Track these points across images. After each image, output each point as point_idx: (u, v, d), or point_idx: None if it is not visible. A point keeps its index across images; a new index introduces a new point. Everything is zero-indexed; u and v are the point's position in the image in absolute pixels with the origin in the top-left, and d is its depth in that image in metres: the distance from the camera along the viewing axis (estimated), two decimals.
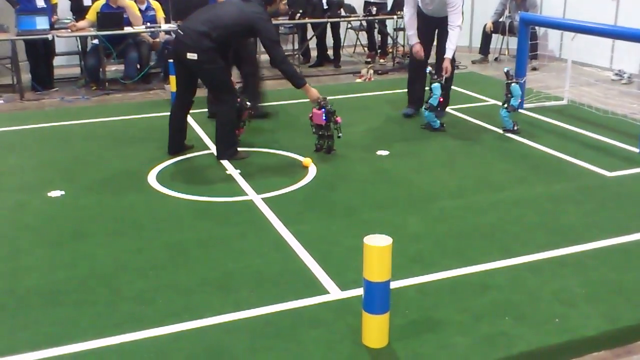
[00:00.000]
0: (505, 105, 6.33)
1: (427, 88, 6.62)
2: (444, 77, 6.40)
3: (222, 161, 5.61)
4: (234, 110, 5.68)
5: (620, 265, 3.82)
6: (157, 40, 8.79)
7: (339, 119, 5.62)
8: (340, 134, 5.66)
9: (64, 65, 9.12)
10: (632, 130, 6.28)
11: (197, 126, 6.72)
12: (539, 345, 3.10)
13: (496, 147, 5.99)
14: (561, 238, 4.16)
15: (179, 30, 5.58)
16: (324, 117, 5.60)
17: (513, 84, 6.26)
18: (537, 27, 9.54)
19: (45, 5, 8.37)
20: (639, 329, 3.27)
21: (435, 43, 6.88)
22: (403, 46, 10.44)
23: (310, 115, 5.71)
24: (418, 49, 6.73)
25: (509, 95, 6.28)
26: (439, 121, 6.45)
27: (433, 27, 6.72)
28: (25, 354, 3.05)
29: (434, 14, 6.62)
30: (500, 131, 6.40)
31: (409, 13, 6.71)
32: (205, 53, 5.35)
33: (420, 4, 6.64)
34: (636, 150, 5.79)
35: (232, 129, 5.71)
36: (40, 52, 8.55)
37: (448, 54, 6.50)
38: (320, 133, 5.76)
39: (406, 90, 7.21)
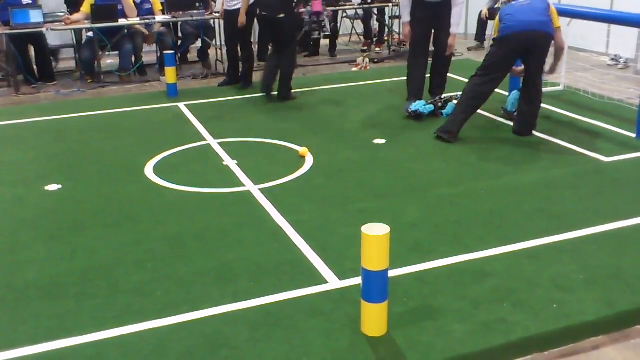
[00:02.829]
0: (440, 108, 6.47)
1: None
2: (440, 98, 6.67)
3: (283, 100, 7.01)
4: (295, 62, 7.71)
5: (618, 251, 3.83)
6: (152, 32, 8.75)
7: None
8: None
9: (59, 58, 9.08)
10: (629, 115, 6.28)
11: (195, 120, 6.72)
12: (537, 331, 3.11)
13: (493, 134, 5.99)
14: (559, 224, 4.17)
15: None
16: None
17: (451, 103, 6.43)
18: None
19: (30, 1, 8.32)
20: (636, 313, 3.28)
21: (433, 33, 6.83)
22: (398, 34, 10.41)
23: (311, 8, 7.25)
24: (407, 31, 6.75)
25: (440, 105, 6.48)
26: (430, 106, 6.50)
27: (430, 13, 6.64)
28: (25, 348, 3.06)
29: None
30: (496, 117, 6.40)
31: None
32: (290, 12, 7.15)
33: None
34: (633, 135, 5.79)
35: (291, 78, 7.47)
36: (39, 46, 8.52)
37: (453, 30, 6.49)
38: (316, 20, 6.59)
39: (405, 78, 7.19)
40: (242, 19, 7.59)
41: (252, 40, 8.20)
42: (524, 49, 5.69)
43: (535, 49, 5.67)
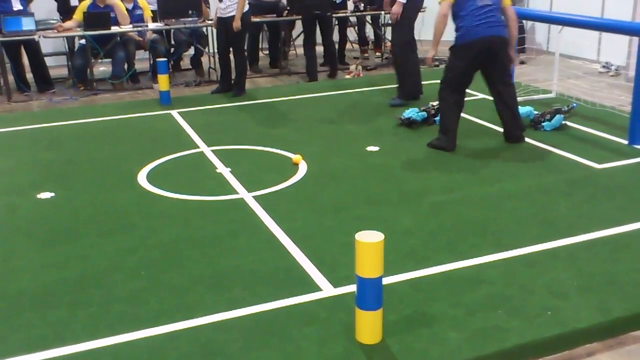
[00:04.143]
0: (541, 119, 6.29)
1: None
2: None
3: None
4: None
5: (612, 257, 3.84)
6: (146, 39, 8.75)
7: None
8: None
9: (52, 65, 9.07)
10: (621, 122, 6.30)
11: (187, 127, 6.71)
12: (532, 338, 3.11)
13: (485, 141, 6.00)
14: (552, 231, 4.18)
15: None
16: None
17: (560, 115, 6.28)
18: (524, 21, 9.56)
19: (21, 7, 8.30)
20: (631, 320, 3.29)
21: None
22: (391, 41, 10.43)
23: None
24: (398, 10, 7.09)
25: (548, 117, 6.27)
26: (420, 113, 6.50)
27: None
28: (18, 357, 3.04)
29: None
30: (490, 124, 6.42)
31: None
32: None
33: None
34: (625, 142, 5.82)
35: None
36: (33, 54, 8.51)
37: None
38: None
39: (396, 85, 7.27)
40: (237, 23, 7.60)
41: (244, 48, 8.19)
42: (486, 56, 5.69)
43: (498, 54, 5.70)
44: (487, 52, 5.65)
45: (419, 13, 10.39)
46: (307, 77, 8.99)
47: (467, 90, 5.93)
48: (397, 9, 7.07)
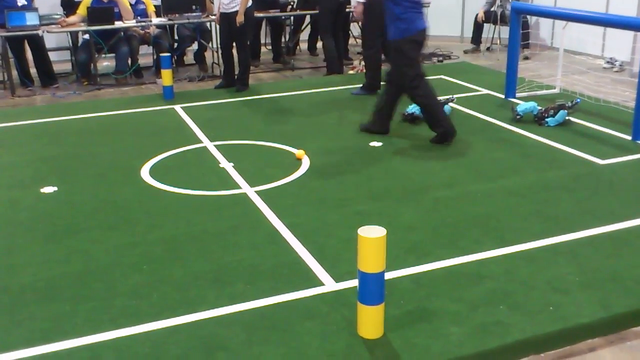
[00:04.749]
0: (545, 115, 6.29)
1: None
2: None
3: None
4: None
5: (614, 253, 3.84)
6: (148, 31, 8.75)
7: None
8: None
9: (55, 60, 9.07)
10: (624, 117, 6.29)
11: (191, 121, 6.71)
12: (533, 333, 3.11)
13: (489, 137, 5.99)
14: (555, 226, 4.18)
15: None
16: None
17: (564, 111, 6.27)
18: (528, 16, 9.54)
19: (26, 2, 8.31)
20: (632, 316, 3.29)
21: None
22: None
23: None
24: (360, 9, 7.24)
25: (551, 113, 6.27)
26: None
27: None
28: (21, 350, 3.05)
29: None
30: (492, 119, 6.41)
31: None
32: None
33: None
34: (628, 137, 5.80)
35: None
36: (37, 49, 8.51)
37: None
38: None
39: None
40: (240, 18, 7.60)
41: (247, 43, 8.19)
42: (423, 44, 5.90)
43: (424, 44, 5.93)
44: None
45: (424, 8, 10.41)
46: (328, 70, 8.89)
47: (471, 86, 5.91)
48: (358, 8, 7.28)
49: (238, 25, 7.64)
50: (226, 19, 7.74)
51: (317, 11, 9.36)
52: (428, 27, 5.83)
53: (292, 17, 9.72)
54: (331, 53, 8.76)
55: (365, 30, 7.68)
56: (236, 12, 7.61)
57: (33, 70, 8.68)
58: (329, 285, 3.55)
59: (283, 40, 9.94)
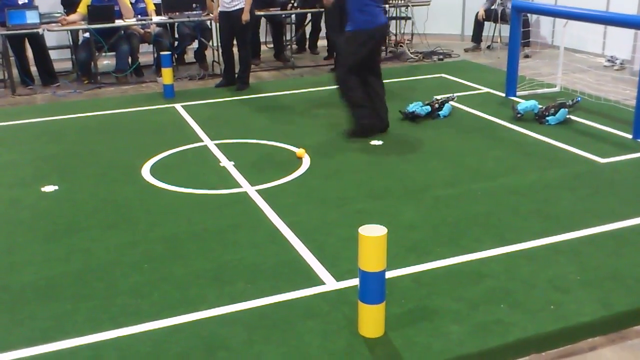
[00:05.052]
0: (545, 113, 6.28)
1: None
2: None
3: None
4: None
5: (615, 252, 3.84)
6: (149, 31, 8.75)
7: None
8: None
9: (56, 59, 9.07)
10: (625, 116, 6.28)
11: (192, 121, 6.71)
12: (534, 332, 3.11)
13: (489, 135, 5.99)
14: (555, 225, 4.18)
15: None
16: None
17: (564, 109, 6.27)
18: (529, 14, 9.53)
19: (26, 1, 8.31)
20: (633, 314, 3.29)
21: None
22: (395, 35, 10.44)
23: None
24: None
25: (552, 111, 6.27)
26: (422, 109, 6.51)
27: None
28: (22, 350, 3.06)
29: None
30: (493, 118, 6.41)
31: None
32: None
33: None
34: (629, 136, 5.80)
35: None
36: (37, 47, 8.51)
37: None
38: None
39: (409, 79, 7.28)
40: (246, 16, 7.64)
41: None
42: (379, 42, 5.98)
43: (383, 42, 5.97)
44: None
45: (425, 7, 10.40)
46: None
47: (471, 84, 5.92)
48: None
49: (244, 23, 7.66)
50: (228, 17, 7.73)
51: (317, 9, 9.39)
52: (388, 24, 5.88)
53: (292, 16, 9.71)
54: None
55: None
56: (238, 10, 7.61)
57: (34, 69, 8.67)
58: (330, 284, 3.55)
59: (287, 37, 9.93)
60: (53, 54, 8.92)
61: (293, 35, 10.06)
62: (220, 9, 7.80)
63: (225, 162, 5.42)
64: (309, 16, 10.12)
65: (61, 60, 9.44)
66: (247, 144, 5.90)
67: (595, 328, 3.20)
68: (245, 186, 4.91)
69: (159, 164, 5.45)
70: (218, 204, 4.63)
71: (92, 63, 8.48)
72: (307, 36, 10.55)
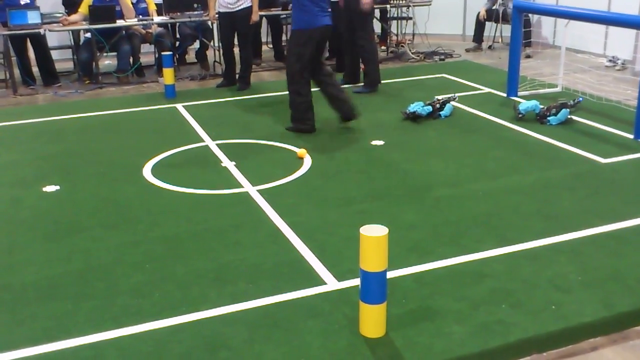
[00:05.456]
0: (547, 113, 6.28)
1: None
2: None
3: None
4: None
5: (616, 252, 3.83)
6: (150, 31, 8.75)
7: None
8: None
9: (57, 59, 9.08)
10: (627, 116, 6.28)
11: (193, 121, 6.71)
12: (535, 332, 3.11)
13: (490, 135, 5.99)
14: (557, 225, 4.17)
15: None
16: None
17: (566, 109, 6.27)
18: (530, 15, 9.53)
19: (28, 1, 8.31)
20: (634, 314, 3.29)
21: None
22: (397, 36, 10.44)
23: None
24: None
25: (553, 111, 6.26)
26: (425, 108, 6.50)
27: None
28: (23, 349, 3.06)
29: None
30: (494, 118, 6.40)
31: None
32: None
33: None
34: (630, 136, 5.80)
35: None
36: (39, 47, 8.51)
37: None
38: None
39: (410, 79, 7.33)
40: (255, 16, 7.71)
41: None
42: (321, 44, 6.11)
43: (324, 43, 6.19)
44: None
45: (426, 7, 10.40)
46: (345, 80, 8.14)
47: (473, 84, 5.92)
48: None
49: (252, 23, 7.69)
50: (230, 17, 7.73)
51: None
52: (330, 26, 6.05)
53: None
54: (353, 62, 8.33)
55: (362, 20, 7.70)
56: (242, 10, 7.63)
57: (35, 69, 8.68)
58: (331, 284, 3.55)
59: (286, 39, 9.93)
60: (54, 54, 8.92)
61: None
62: (221, 9, 7.79)
63: (227, 162, 5.42)
64: None
65: (62, 61, 9.45)
66: (248, 144, 5.90)
67: (596, 328, 3.20)
68: (247, 186, 4.91)
69: (160, 164, 5.45)
70: (219, 204, 4.63)
71: (94, 63, 8.48)
72: None
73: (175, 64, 8.97)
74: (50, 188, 4.97)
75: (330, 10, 6.07)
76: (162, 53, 8.14)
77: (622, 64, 8.74)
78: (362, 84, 7.89)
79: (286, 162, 5.42)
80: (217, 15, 8.08)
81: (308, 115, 6.17)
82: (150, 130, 6.42)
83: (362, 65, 8.62)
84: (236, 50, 8.03)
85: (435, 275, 3.63)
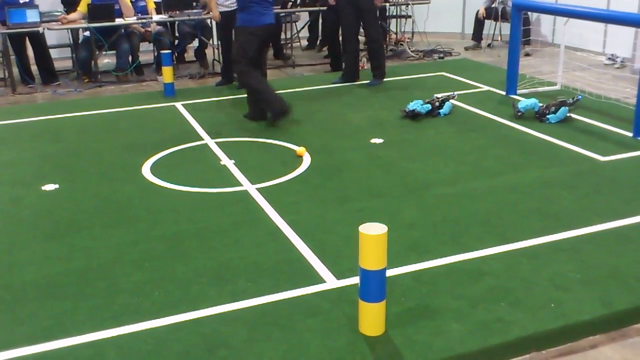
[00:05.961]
0: (546, 111, 6.27)
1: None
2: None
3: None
4: None
5: (615, 250, 3.84)
6: (149, 29, 8.75)
7: None
8: None
9: (56, 58, 9.08)
10: (626, 114, 6.28)
11: (192, 119, 6.71)
12: (534, 330, 3.11)
13: (490, 134, 5.99)
14: (556, 223, 4.18)
15: None
16: None
17: (565, 107, 6.27)
18: (529, 13, 9.53)
19: (28, 0, 8.31)
20: (634, 312, 3.29)
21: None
22: (396, 34, 10.44)
23: None
24: None
25: (552, 109, 6.26)
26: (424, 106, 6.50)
27: None
28: (23, 348, 3.06)
29: None
30: (494, 116, 6.41)
31: None
32: None
33: None
34: (630, 134, 5.80)
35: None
36: (38, 46, 8.51)
37: None
38: None
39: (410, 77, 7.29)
40: None
41: None
42: (264, 42, 6.44)
43: (267, 42, 6.49)
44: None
45: (425, 5, 10.40)
46: (345, 78, 8.13)
47: (472, 82, 5.92)
48: None
49: None
50: (229, 16, 7.72)
51: (317, 8, 9.38)
52: (272, 24, 6.27)
53: (291, 14, 9.71)
54: (353, 60, 8.18)
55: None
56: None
57: (34, 68, 8.68)
58: (330, 282, 3.55)
59: (285, 37, 9.93)
60: (53, 53, 8.92)
61: (295, 32, 10.06)
62: (221, 8, 7.79)
63: (226, 161, 5.42)
64: (306, 16, 10.14)
65: (61, 59, 9.44)
66: (248, 143, 5.90)
67: (595, 326, 3.20)
68: (246, 184, 4.91)
69: (159, 162, 5.45)
70: (219, 203, 4.63)
71: (93, 62, 8.48)
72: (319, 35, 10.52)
73: (174, 62, 8.97)
74: (49, 187, 4.97)
75: (272, 8, 6.36)
76: (161, 51, 8.13)
77: (621, 62, 8.74)
78: (373, 76, 8.06)
79: (285, 160, 5.42)
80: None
81: (273, 95, 6.33)
82: (149, 128, 6.42)
83: (361, 65, 8.65)
84: None
85: (435, 273, 3.63)
